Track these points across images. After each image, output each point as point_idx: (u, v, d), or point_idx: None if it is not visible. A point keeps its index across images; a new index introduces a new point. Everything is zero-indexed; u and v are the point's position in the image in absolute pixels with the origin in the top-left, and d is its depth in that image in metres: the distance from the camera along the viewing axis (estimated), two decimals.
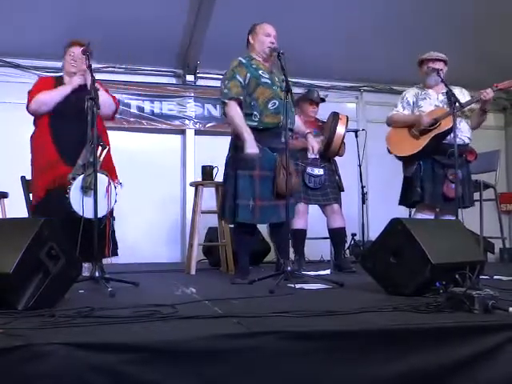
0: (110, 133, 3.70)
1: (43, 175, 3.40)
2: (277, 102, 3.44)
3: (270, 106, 3.44)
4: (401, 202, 4.20)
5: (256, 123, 3.43)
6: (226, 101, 3.43)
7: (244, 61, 3.52)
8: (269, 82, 3.49)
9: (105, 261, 3.36)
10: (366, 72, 6.45)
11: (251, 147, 3.33)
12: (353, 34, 5.75)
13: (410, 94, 4.11)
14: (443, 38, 5.34)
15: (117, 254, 3.53)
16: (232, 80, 3.45)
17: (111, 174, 3.40)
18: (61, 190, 3.25)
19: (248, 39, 3.65)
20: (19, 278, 2.01)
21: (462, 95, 3.91)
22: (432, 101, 4.01)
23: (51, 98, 3.45)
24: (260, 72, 3.50)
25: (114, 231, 3.50)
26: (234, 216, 3.43)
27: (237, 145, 3.48)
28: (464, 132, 3.95)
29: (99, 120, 3.17)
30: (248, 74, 3.46)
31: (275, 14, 4.81)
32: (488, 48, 5.97)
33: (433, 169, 3.93)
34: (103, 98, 3.31)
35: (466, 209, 3.80)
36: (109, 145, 3.40)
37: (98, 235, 2.94)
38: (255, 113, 3.43)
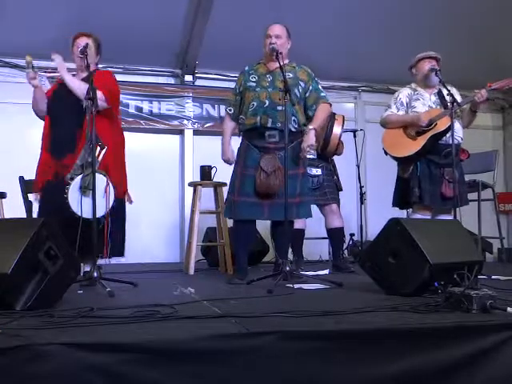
0: None
1: (38, 174, 3.42)
2: (255, 104, 3.50)
3: (249, 108, 3.51)
4: (394, 204, 4.15)
5: (242, 126, 3.60)
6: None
7: (247, 68, 3.67)
8: (253, 84, 3.55)
9: (103, 261, 3.36)
10: (365, 72, 6.45)
11: (223, 154, 3.68)
12: (351, 34, 5.75)
13: (403, 94, 4.10)
14: (442, 38, 5.35)
15: (121, 255, 3.54)
16: (232, 91, 3.75)
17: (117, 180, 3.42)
18: (49, 184, 3.29)
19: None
20: (17, 279, 2.01)
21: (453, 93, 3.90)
22: (425, 101, 4.00)
23: (33, 102, 3.48)
24: (250, 77, 3.59)
25: (117, 231, 3.48)
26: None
27: (240, 144, 3.64)
28: (458, 132, 3.95)
29: (98, 119, 3.13)
30: (242, 81, 3.63)
31: (274, 14, 4.81)
32: (487, 48, 5.97)
33: (429, 169, 3.92)
34: (69, 83, 3.32)
35: (461, 208, 3.80)
36: (111, 144, 3.36)
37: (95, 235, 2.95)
38: (242, 116, 3.59)
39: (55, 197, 3.17)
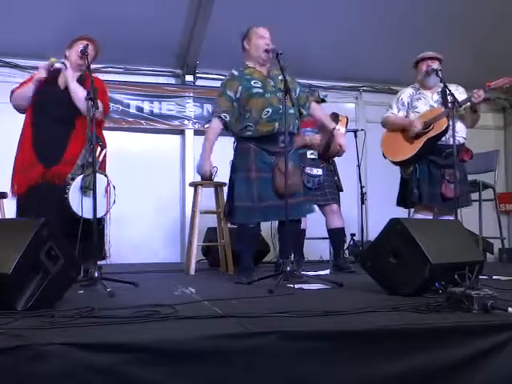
0: (108, 133, 3.69)
1: (18, 176, 3.37)
2: (270, 110, 3.43)
3: (263, 115, 3.43)
4: (398, 203, 4.19)
5: (251, 133, 3.48)
6: (212, 117, 3.63)
7: (236, 73, 3.58)
8: (261, 91, 3.49)
9: (104, 261, 3.36)
10: (366, 72, 6.45)
11: (202, 166, 3.60)
12: (352, 34, 5.76)
13: (405, 94, 4.10)
14: (442, 38, 5.35)
15: (103, 258, 3.44)
16: (222, 96, 3.56)
17: None
18: (38, 190, 3.25)
19: (243, 45, 3.65)
20: (18, 279, 2.01)
21: (458, 93, 3.90)
22: (427, 101, 4.00)
23: (19, 94, 3.48)
24: (252, 82, 3.51)
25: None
26: (230, 217, 3.57)
27: (237, 148, 3.57)
28: (459, 132, 3.94)
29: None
30: (240, 87, 3.50)
31: (274, 14, 4.83)
32: (487, 48, 5.97)
33: (429, 170, 3.93)
34: (75, 92, 3.33)
35: (462, 208, 3.80)
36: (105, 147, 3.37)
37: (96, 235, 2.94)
38: (250, 124, 3.47)
39: (46, 200, 3.17)
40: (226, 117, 3.53)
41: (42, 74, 3.40)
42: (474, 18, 5.56)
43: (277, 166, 3.38)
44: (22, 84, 3.55)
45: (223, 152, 3.80)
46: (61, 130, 3.34)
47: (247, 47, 3.61)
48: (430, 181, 3.90)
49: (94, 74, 3.13)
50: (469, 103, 3.88)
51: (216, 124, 3.56)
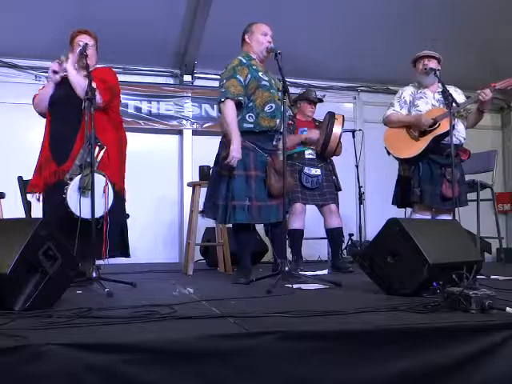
0: None
1: (38, 174, 3.39)
2: (273, 106, 3.42)
3: (266, 108, 3.41)
4: (394, 202, 4.17)
5: (252, 125, 3.41)
6: (223, 99, 3.37)
7: (244, 60, 3.48)
8: (267, 84, 3.46)
9: (102, 261, 3.35)
10: (364, 72, 6.46)
11: (236, 151, 3.29)
12: (351, 34, 5.76)
13: (407, 92, 4.09)
14: (442, 38, 5.35)
15: (128, 256, 3.55)
16: (231, 79, 3.39)
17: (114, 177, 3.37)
18: (52, 189, 3.25)
19: (244, 38, 3.61)
20: (16, 279, 2.01)
21: (457, 94, 3.91)
22: (428, 100, 4.00)
23: (39, 98, 3.50)
24: (260, 74, 3.46)
25: (122, 231, 3.52)
26: (226, 216, 3.38)
27: (229, 144, 3.47)
28: (460, 132, 3.96)
29: (97, 116, 3.10)
30: (249, 75, 3.42)
31: (273, 13, 4.82)
32: (487, 48, 5.98)
33: (430, 169, 3.92)
34: (74, 79, 3.31)
35: (460, 208, 3.81)
36: (111, 140, 3.37)
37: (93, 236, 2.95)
38: (251, 114, 3.40)
39: (57, 198, 3.17)
40: (242, 99, 3.36)
41: (54, 66, 3.41)
42: (474, 17, 5.56)
43: (272, 165, 3.36)
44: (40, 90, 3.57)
45: None
46: (70, 126, 3.33)
47: (248, 41, 3.57)
48: (432, 180, 3.90)
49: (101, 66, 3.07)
50: (473, 104, 3.89)
51: (231, 106, 3.34)
